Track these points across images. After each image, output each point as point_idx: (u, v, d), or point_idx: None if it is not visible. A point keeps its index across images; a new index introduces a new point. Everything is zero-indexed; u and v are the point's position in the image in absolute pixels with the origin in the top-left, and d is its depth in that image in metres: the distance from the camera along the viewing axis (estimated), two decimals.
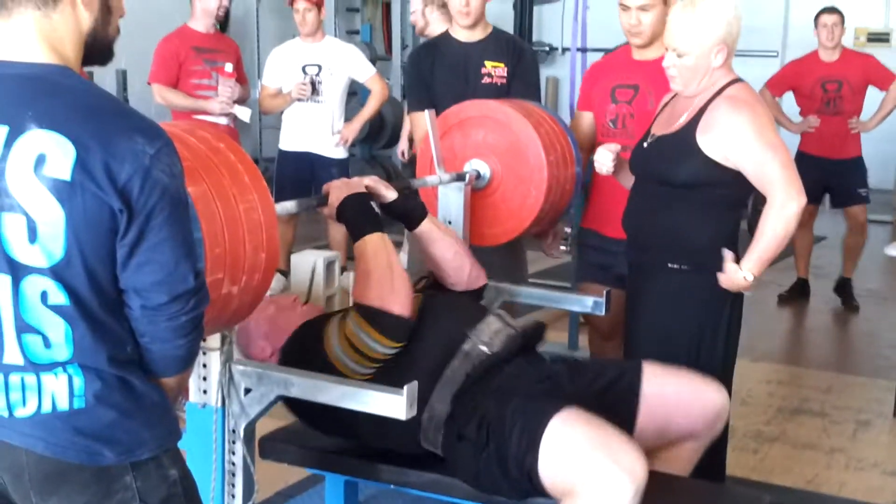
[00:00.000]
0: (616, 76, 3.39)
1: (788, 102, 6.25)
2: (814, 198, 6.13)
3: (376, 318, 2.39)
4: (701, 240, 2.82)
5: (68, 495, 1.60)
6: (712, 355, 2.86)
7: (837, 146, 6.00)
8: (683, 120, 2.83)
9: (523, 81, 3.65)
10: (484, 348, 2.53)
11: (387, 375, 2.39)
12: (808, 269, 6.33)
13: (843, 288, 6.21)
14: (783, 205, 2.68)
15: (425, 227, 2.77)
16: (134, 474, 1.63)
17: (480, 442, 2.40)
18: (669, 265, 2.86)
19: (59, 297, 1.54)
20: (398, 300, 2.41)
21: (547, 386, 2.53)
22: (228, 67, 5.29)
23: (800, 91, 6.09)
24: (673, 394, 2.59)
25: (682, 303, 2.86)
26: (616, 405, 2.54)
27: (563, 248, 3.71)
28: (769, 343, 5.41)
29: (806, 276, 6.33)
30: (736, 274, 2.76)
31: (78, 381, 1.58)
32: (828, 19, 5.89)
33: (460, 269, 2.84)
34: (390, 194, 2.68)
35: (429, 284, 2.92)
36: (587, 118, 3.51)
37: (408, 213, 2.77)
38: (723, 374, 2.84)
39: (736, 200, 2.87)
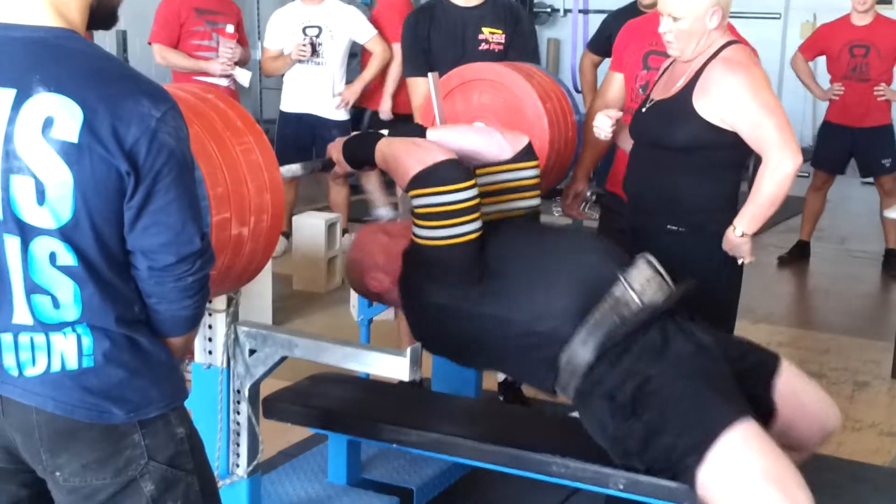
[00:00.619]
0: (650, 41, 3.37)
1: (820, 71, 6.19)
2: (836, 167, 6.08)
3: (428, 177, 2.36)
4: (699, 202, 2.83)
5: (78, 453, 1.63)
6: (712, 317, 2.87)
7: (861, 114, 5.94)
8: (681, 84, 2.83)
9: (521, 48, 3.63)
10: (635, 296, 2.37)
11: (524, 302, 2.36)
12: (811, 233, 6.34)
13: (888, 259, 6.15)
14: (778, 165, 2.68)
15: (434, 137, 2.66)
16: (142, 432, 1.65)
17: (632, 409, 2.28)
18: (669, 227, 2.87)
19: (67, 258, 1.56)
20: (432, 151, 2.40)
21: (708, 364, 2.37)
22: (229, 29, 5.27)
23: (829, 55, 6.03)
24: (804, 400, 2.53)
25: (681, 264, 2.86)
26: (752, 393, 2.42)
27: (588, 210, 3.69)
28: (769, 305, 5.43)
29: (808, 239, 6.34)
30: (730, 232, 2.78)
31: (87, 341, 1.60)
32: None
33: (490, 143, 2.66)
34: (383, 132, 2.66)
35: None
36: (618, 80, 3.50)
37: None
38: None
39: (734, 162, 2.87)
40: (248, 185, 1.97)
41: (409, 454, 2.92)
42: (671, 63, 2.97)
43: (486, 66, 3.24)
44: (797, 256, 6.30)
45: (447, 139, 2.63)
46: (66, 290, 1.58)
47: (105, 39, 6.44)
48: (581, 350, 2.33)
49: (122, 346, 1.62)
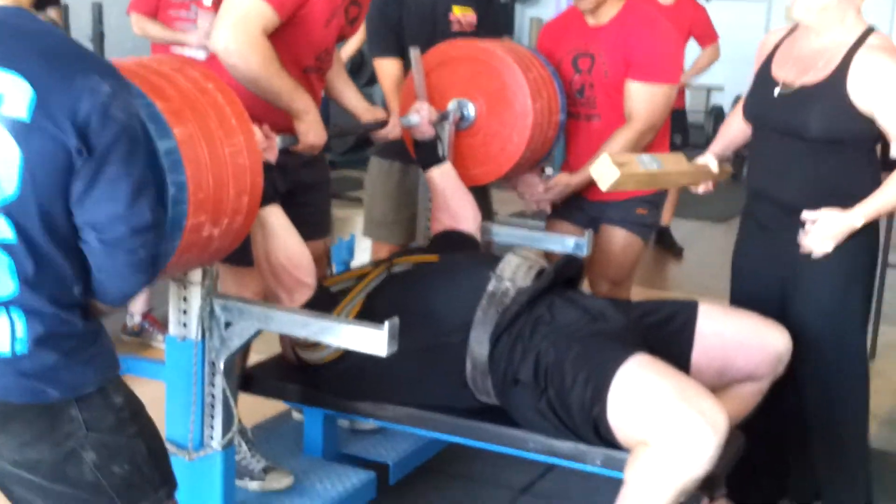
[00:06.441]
0: (574, 43, 3.30)
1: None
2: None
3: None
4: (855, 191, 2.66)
5: (16, 433, 1.64)
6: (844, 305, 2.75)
7: None
8: (829, 69, 2.63)
9: (492, 28, 3.57)
10: (509, 284, 2.51)
11: (420, 340, 2.43)
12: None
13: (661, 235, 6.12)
14: None
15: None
16: (79, 406, 1.66)
17: (539, 387, 2.37)
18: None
19: (7, 233, 1.55)
20: (292, 291, 2.48)
21: (600, 325, 2.47)
22: (207, 1, 5.20)
23: None
24: (733, 335, 2.56)
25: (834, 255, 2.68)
26: (669, 343, 2.51)
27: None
28: None
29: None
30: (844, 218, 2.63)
31: (20, 326, 1.59)
32: None
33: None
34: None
35: (434, 242, 2.98)
36: None
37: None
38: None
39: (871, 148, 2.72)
40: (229, 188, 1.96)
41: (386, 429, 2.92)
42: (783, 39, 2.81)
43: (487, 46, 3.18)
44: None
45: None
46: (2, 266, 1.57)
47: (81, 13, 6.37)
48: (478, 348, 2.45)
49: (55, 330, 1.62)
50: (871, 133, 2.63)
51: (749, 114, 2.85)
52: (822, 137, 2.64)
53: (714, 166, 2.94)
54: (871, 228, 2.70)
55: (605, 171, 2.70)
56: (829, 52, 2.65)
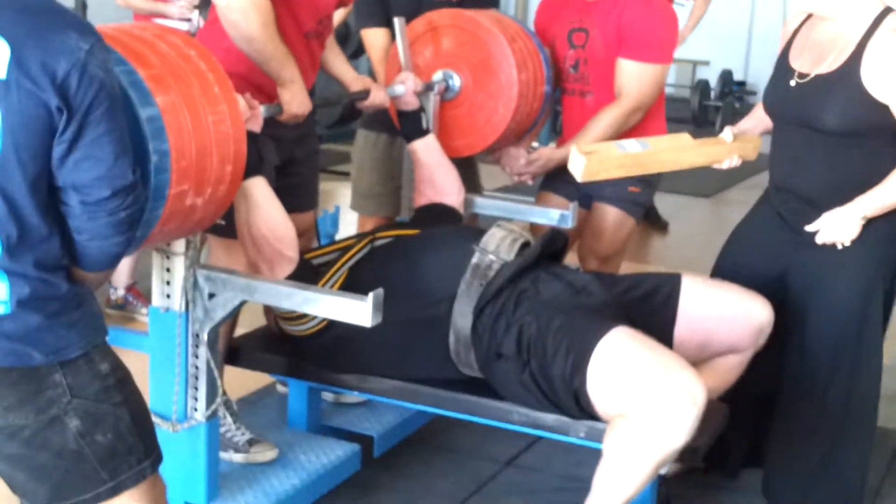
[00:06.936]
0: (570, 17, 3.27)
1: None
2: None
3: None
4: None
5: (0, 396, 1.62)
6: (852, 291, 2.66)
7: None
8: (843, 57, 2.53)
9: None
10: (493, 257, 2.51)
11: (403, 313, 2.42)
12: None
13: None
14: None
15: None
16: (63, 372, 1.65)
17: (521, 360, 2.37)
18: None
19: None
20: (273, 264, 2.46)
21: (583, 299, 2.47)
22: None
23: None
24: (716, 307, 2.56)
25: (856, 251, 2.60)
26: (652, 317, 2.51)
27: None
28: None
29: None
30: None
31: (3, 288, 1.58)
32: None
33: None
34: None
35: (417, 215, 2.97)
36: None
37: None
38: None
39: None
40: (212, 157, 1.94)
41: (371, 401, 2.91)
42: (801, 25, 2.71)
43: (472, 16, 3.15)
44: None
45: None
46: None
47: None
48: (461, 321, 2.46)
49: (39, 292, 1.60)
50: (891, 124, 2.51)
51: (767, 105, 2.78)
52: (838, 130, 2.55)
53: (729, 138, 2.82)
54: (893, 222, 2.61)
55: (575, 163, 2.68)
56: (843, 38, 2.54)
